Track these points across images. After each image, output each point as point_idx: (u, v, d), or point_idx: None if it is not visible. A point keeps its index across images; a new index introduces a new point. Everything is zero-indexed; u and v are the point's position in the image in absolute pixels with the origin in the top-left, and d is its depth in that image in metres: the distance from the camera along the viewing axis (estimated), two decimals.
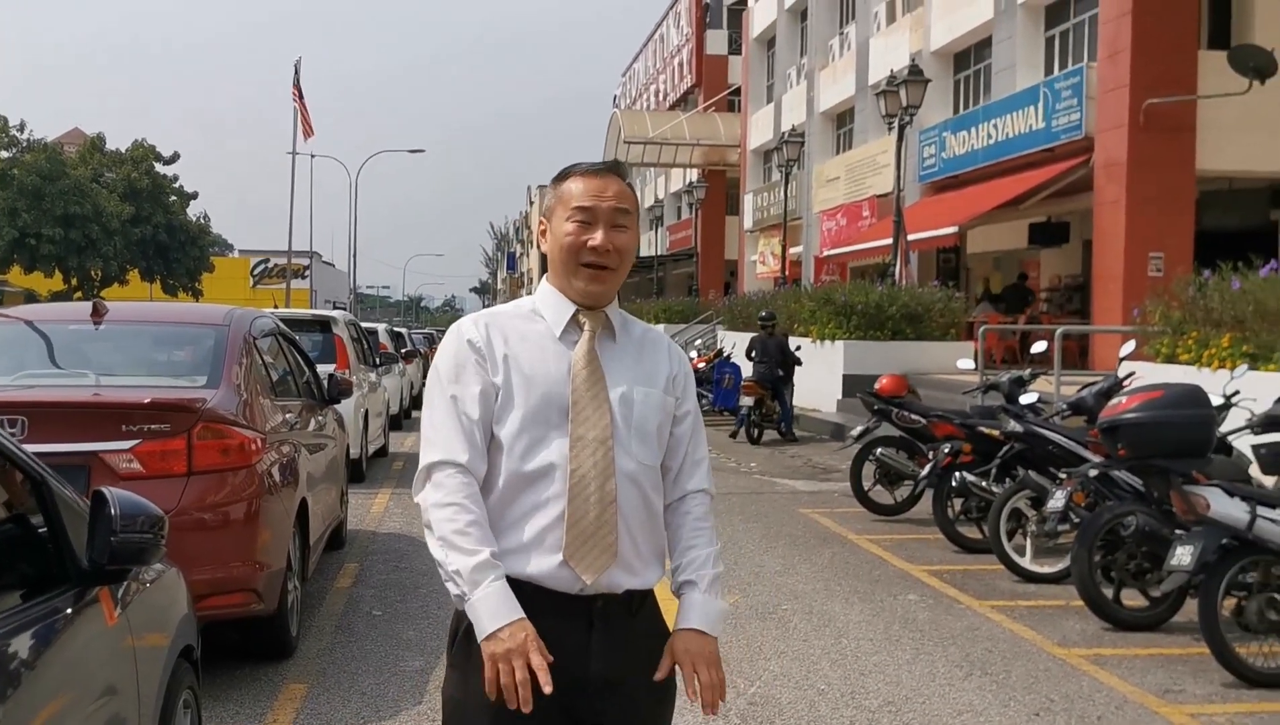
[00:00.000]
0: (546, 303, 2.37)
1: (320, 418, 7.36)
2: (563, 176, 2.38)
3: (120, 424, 4.92)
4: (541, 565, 2.23)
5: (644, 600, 2.34)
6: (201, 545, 4.94)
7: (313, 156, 49.31)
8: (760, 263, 36.37)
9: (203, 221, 51.91)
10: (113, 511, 2.64)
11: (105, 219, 43.59)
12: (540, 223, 2.41)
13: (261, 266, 72.51)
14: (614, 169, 2.36)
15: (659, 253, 49.91)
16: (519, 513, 2.26)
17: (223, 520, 5.07)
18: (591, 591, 2.24)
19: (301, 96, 39.63)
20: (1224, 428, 7.43)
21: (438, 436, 2.28)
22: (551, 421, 2.26)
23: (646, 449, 2.34)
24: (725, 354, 18.97)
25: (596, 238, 2.29)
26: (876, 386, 10.06)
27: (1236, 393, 7.45)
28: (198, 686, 3.61)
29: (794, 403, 16.79)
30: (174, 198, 48.82)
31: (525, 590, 2.20)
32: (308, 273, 65.10)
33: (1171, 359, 10.42)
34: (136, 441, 4.90)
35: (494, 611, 2.14)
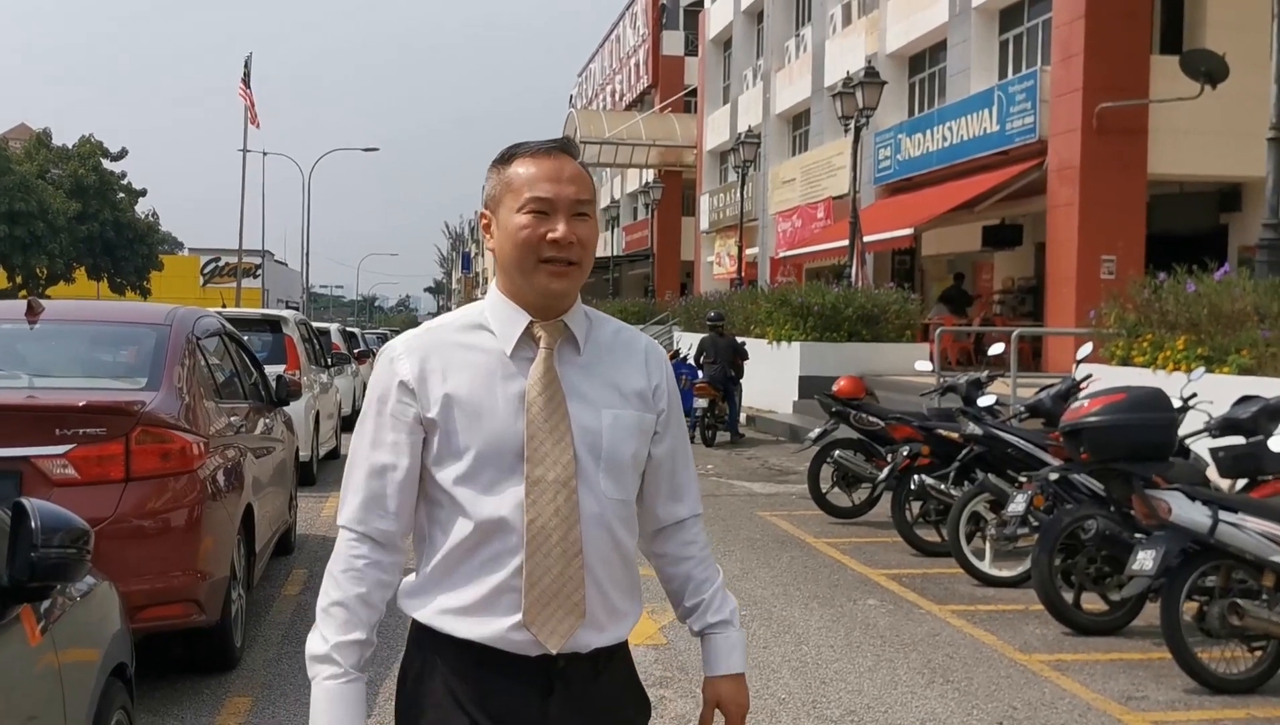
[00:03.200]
0: (496, 313, 2.01)
1: (268, 420, 7.16)
2: (507, 158, 2.02)
3: (54, 428, 4.71)
4: (495, 628, 1.94)
5: (611, 656, 2.04)
6: (140, 554, 4.75)
7: (264, 154, 48.74)
8: (717, 264, 36.33)
9: (151, 219, 51.12)
10: (33, 525, 2.47)
11: (51, 216, 42.76)
12: (483, 216, 2.05)
13: (212, 265, 71.56)
14: (566, 147, 2.02)
15: (615, 253, 49.76)
16: (468, 570, 1.96)
17: (162, 528, 4.87)
18: (553, 652, 1.95)
19: (249, 89, 39.09)
20: (1181, 430, 7.40)
21: (347, 495, 2.02)
22: (504, 463, 1.94)
23: (618, 483, 2.01)
24: (682, 356, 18.87)
25: (558, 229, 1.94)
26: (834, 388, 9.99)
27: (1194, 395, 7.44)
28: (131, 706, 3.43)
29: (750, 403, 16.72)
30: (122, 194, 48.01)
31: (475, 648, 1.95)
32: (260, 272, 64.27)
33: (1127, 361, 10.44)
34: (71, 446, 4.70)
35: (320, 712, 1.92)
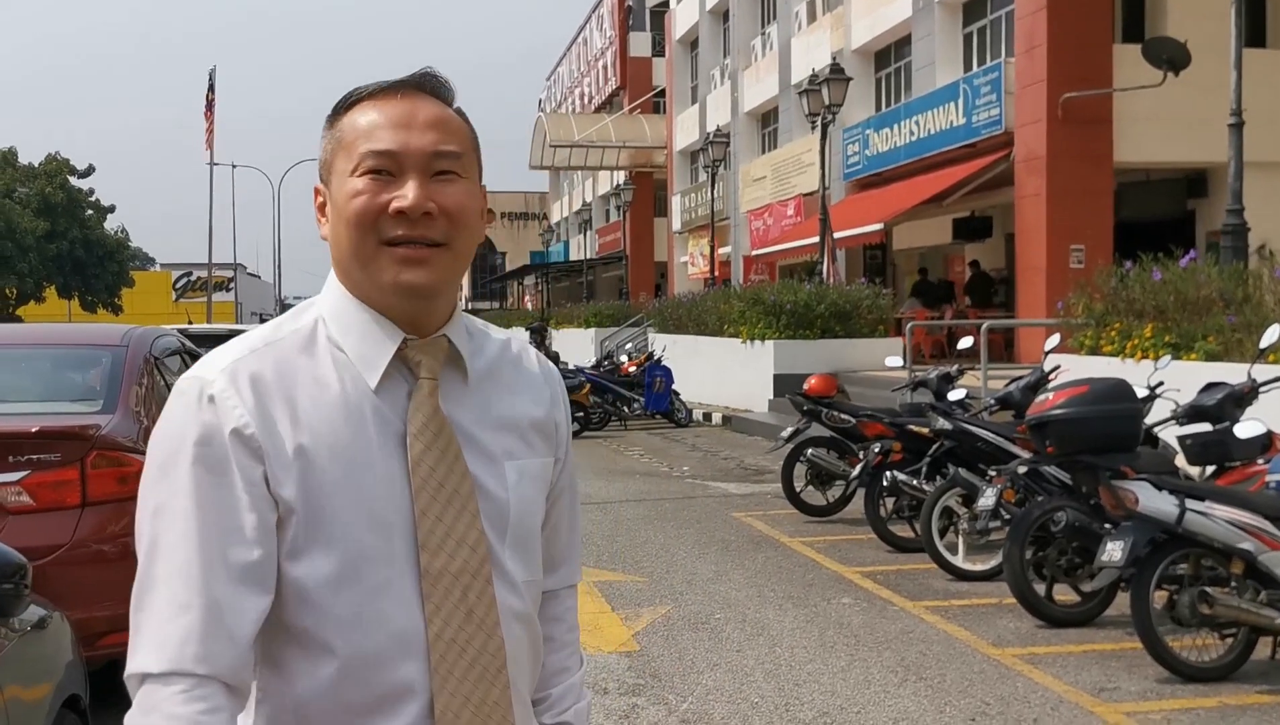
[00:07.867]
0: (344, 323, 1.36)
1: None
2: (343, 107, 1.39)
3: (7, 454, 4.64)
4: None
5: None
6: (99, 580, 4.68)
7: (234, 166, 48.63)
8: (690, 264, 36.37)
9: (121, 235, 50.77)
10: None
11: (19, 235, 42.43)
12: (316, 193, 1.41)
13: (184, 280, 71.17)
14: (423, 84, 1.38)
15: (589, 256, 49.75)
16: (349, 714, 1.32)
17: (121, 552, 4.79)
18: None
19: (210, 107, 38.88)
20: (1149, 419, 7.42)
21: (154, 621, 1.28)
22: (386, 553, 1.32)
23: (528, 561, 1.43)
24: (656, 357, 18.89)
25: (407, 195, 1.31)
26: (805, 387, 9.98)
27: (1161, 384, 7.45)
28: None
29: (725, 403, 16.73)
30: (90, 211, 47.68)
31: None
32: (232, 285, 63.92)
33: (1095, 351, 10.49)
34: (25, 473, 4.63)
35: None
